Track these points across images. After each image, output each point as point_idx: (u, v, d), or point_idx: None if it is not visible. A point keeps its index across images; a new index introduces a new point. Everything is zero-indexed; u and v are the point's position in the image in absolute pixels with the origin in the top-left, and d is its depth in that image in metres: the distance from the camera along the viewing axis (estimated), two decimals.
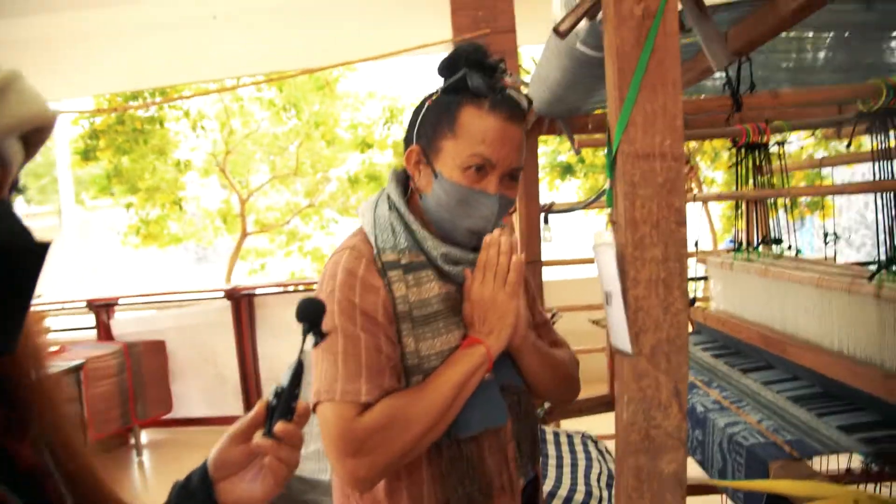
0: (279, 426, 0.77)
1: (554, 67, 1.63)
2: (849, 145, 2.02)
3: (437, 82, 1.16)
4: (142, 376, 4.60)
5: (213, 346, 4.95)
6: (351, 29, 5.69)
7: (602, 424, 2.43)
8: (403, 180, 1.19)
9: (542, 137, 2.58)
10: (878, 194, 1.60)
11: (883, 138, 1.63)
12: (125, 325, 5.06)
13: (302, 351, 0.85)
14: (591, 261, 3.98)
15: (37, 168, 10.80)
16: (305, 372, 0.82)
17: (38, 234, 0.51)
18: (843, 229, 8.71)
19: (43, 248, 0.51)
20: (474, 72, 1.08)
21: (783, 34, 1.68)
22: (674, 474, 0.91)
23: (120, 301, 5.14)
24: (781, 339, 1.87)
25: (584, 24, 1.10)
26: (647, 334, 0.89)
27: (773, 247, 2.42)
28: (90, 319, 5.03)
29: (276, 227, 9.87)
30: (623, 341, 0.90)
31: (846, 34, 1.72)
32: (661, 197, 0.88)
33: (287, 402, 0.79)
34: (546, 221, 2.77)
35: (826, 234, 2.33)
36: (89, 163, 7.93)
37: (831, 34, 1.74)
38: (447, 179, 1.08)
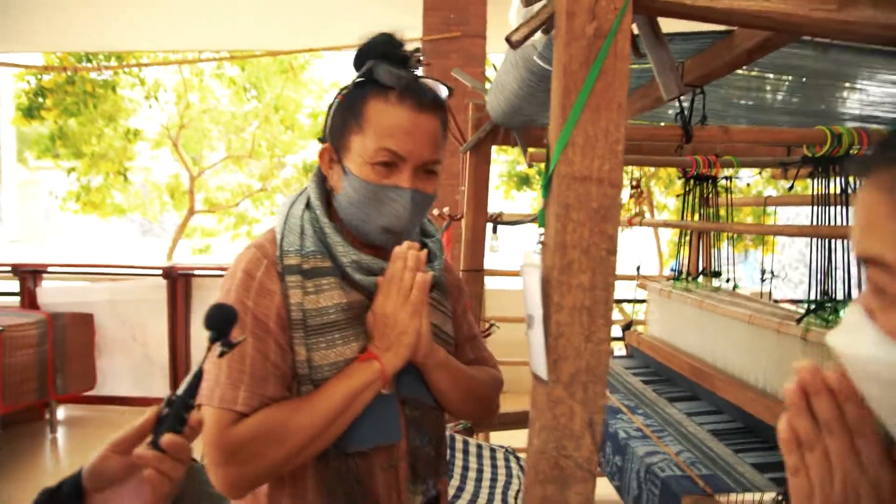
0: (166, 438, 0.72)
1: (511, 77, 1.61)
2: (791, 187, 2.06)
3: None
4: (65, 349, 4.40)
5: (144, 325, 4.79)
6: (321, 16, 5.59)
7: None
8: (324, 181, 1.15)
9: (502, 147, 2.56)
10: (815, 239, 1.62)
11: (824, 184, 1.66)
12: (52, 294, 4.83)
13: (205, 360, 0.79)
14: None
15: None
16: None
17: None
18: (784, 266, 9.01)
19: None
20: (381, 63, 1.04)
21: (743, 72, 1.70)
22: None
23: (49, 269, 4.91)
24: (710, 371, 1.89)
25: (541, 36, 1.08)
26: (566, 362, 0.87)
27: (714, 279, 2.45)
28: (14, 285, 4.80)
29: (225, 207, 9.66)
30: (540, 367, 0.87)
31: (803, 79, 1.75)
32: (595, 223, 0.86)
33: (179, 413, 0.74)
34: (494, 231, 2.76)
35: (763, 272, 2.38)
36: (33, 121, 7.59)
37: (790, 78, 1.76)
38: (356, 176, 1.04)
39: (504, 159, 8.53)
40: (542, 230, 0.91)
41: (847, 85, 1.72)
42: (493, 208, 2.64)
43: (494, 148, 2.46)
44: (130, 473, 0.73)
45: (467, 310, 1.34)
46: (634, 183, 2.83)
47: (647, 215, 8.52)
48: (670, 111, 2.14)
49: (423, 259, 1.06)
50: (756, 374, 1.74)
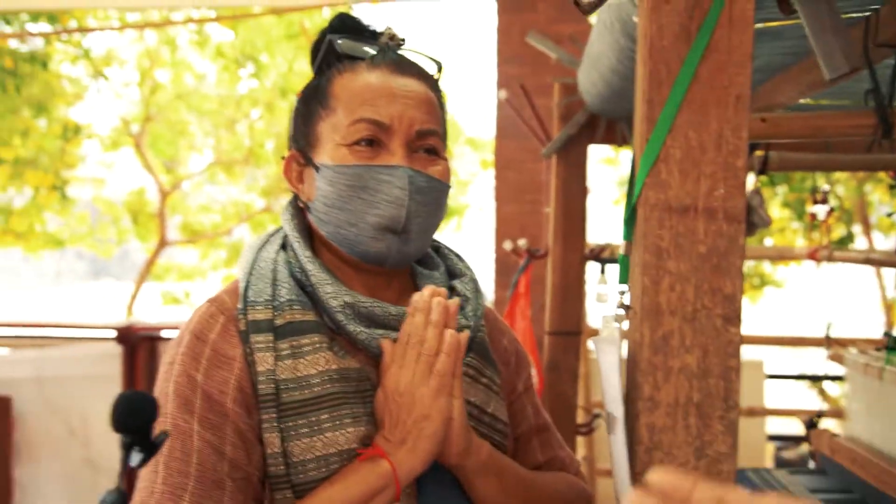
0: None
1: (607, 46, 1.64)
2: None
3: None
4: None
5: (86, 413, 4.94)
6: None
7: None
8: (301, 210, 1.24)
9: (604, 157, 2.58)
10: None
11: None
12: None
13: (121, 474, 0.85)
14: None
15: None
16: None
17: None
18: None
19: None
20: (341, 36, 1.16)
21: None
22: None
23: None
24: None
25: None
26: None
27: None
28: None
29: (212, 236, 9.98)
30: (626, 492, 0.89)
31: None
32: (704, 275, 0.87)
33: None
34: (602, 272, 2.77)
35: None
36: None
37: None
38: (331, 165, 1.12)
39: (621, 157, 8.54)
40: (624, 287, 0.93)
41: None
42: (595, 237, 2.65)
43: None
44: None
45: (532, 389, 1.36)
46: (820, 197, 2.79)
47: (862, 242, 8.28)
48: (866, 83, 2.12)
49: (455, 310, 1.09)
50: None
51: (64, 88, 8.38)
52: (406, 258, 1.14)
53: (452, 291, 1.21)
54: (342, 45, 1.15)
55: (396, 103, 1.11)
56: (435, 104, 1.16)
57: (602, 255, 2.60)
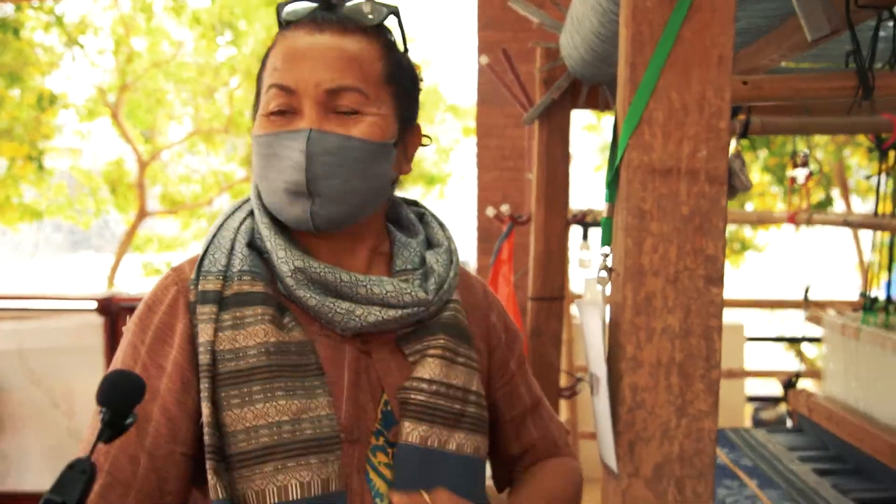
0: None
1: (589, 7, 1.64)
2: None
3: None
4: None
5: (69, 384, 4.94)
6: None
7: None
8: None
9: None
10: None
11: None
12: None
13: (93, 448, 0.86)
14: None
15: None
16: None
17: None
18: None
19: None
20: (285, 5, 1.17)
21: None
22: None
23: None
24: None
25: None
26: (647, 446, 0.89)
27: None
28: None
29: (192, 206, 9.95)
30: (609, 453, 0.90)
31: None
32: (686, 236, 0.88)
33: None
34: (585, 237, 2.78)
35: None
36: None
37: None
38: (255, 135, 1.15)
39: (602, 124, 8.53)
40: (607, 249, 0.94)
41: None
42: (578, 203, 2.66)
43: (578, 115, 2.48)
44: None
45: (524, 364, 1.37)
46: (800, 160, 2.81)
47: (840, 205, 8.35)
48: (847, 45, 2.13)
49: None
50: None
51: (37, 57, 8.29)
52: (332, 222, 1.12)
53: (423, 263, 1.21)
54: (286, 12, 1.16)
55: (303, 65, 1.10)
56: (354, 57, 1.13)
57: (585, 220, 2.61)
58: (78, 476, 0.82)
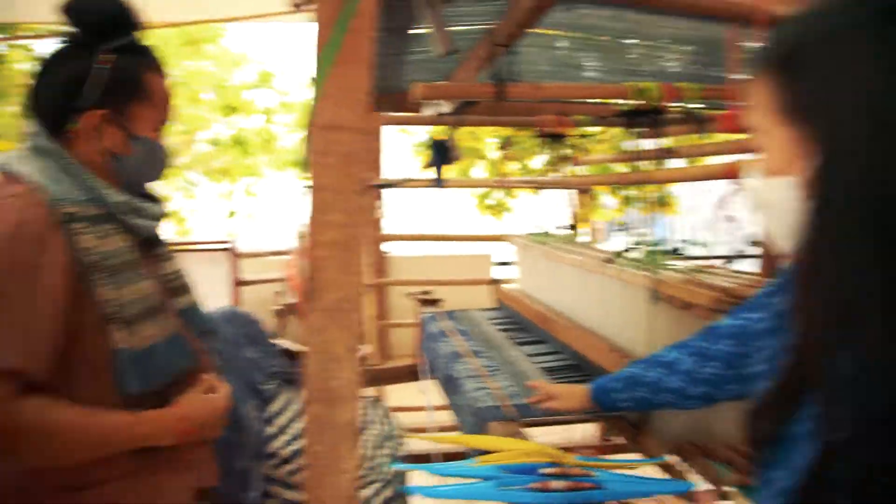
0: None
1: None
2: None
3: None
4: None
5: None
6: None
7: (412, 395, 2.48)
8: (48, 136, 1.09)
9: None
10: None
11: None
12: None
13: None
14: (433, 237, 4.05)
15: None
16: None
17: None
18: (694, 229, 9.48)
19: None
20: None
21: (560, 32, 1.83)
22: (347, 424, 0.99)
23: None
24: (553, 316, 2.05)
25: None
26: (327, 292, 0.96)
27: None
28: None
29: None
30: None
31: (622, 40, 1.91)
32: (343, 166, 0.95)
33: None
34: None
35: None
36: None
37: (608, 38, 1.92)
38: (148, 139, 1.14)
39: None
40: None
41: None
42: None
43: None
44: None
45: None
46: (504, 142, 2.96)
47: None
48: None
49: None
50: (588, 314, 1.90)
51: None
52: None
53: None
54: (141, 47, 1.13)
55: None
56: None
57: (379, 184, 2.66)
58: None
